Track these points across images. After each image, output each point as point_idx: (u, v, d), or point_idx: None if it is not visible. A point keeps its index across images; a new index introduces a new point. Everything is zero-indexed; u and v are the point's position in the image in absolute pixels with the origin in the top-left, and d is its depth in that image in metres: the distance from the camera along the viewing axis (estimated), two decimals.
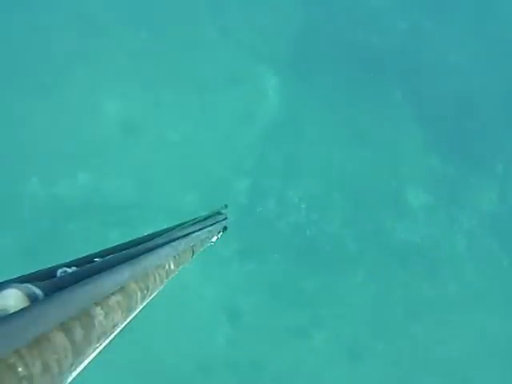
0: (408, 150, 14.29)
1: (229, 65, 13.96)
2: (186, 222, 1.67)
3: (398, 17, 14.89)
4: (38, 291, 0.69)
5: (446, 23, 14.99)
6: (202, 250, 1.83)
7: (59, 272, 0.84)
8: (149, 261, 1.07)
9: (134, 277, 0.99)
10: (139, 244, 1.14)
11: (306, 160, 13.82)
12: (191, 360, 12.35)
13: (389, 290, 13.36)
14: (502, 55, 15.04)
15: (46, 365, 0.64)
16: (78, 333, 0.75)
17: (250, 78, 13.99)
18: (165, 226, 1.51)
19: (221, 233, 2.37)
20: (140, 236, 1.26)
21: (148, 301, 1.12)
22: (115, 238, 11.63)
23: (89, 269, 0.85)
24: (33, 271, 0.81)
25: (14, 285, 0.67)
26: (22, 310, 0.62)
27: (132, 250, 1.06)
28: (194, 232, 1.66)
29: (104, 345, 0.90)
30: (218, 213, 2.39)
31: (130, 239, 1.21)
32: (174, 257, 1.35)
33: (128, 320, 0.99)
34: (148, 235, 1.31)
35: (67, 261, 0.90)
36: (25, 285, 0.69)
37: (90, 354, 0.82)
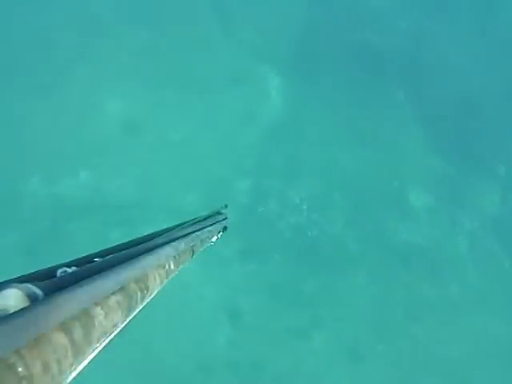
0: (410, 150, 14.27)
1: (231, 65, 13.97)
2: (185, 222, 1.67)
3: (400, 17, 14.89)
4: (38, 291, 0.70)
5: (447, 23, 14.98)
6: (202, 249, 1.83)
7: (59, 272, 0.84)
8: (149, 261, 1.07)
9: (134, 277, 0.99)
10: (139, 244, 1.14)
11: (307, 160, 13.81)
12: (191, 360, 12.35)
13: (390, 290, 13.34)
14: (503, 56, 15.02)
15: (45, 365, 0.64)
16: (78, 333, 0.75)
17: (252, 78, 14.00)
18: (165, 226, 1.51)
19: (221, 233, 2.37)
20: (140, 236, 1.26)
21: (148, 301, 1.12)
22: (116, 238, 11.63)
23: (89, 269, 0.85)
24: (33, 271, 0.81)
25: (13, 285, 0.67)
26: (21, 309, 0.62)
27: (132, 250, 1.06)
28: (193, 232, 1.66)
29: (104, 345, 0.90)
30: (218, 213, 2.39)
31: (130, 239, 1.21)
32: (174, 257, 1.35)
33: (128, 320, 0.99)
34: (148, 235, 1.31)
35: (67, 261, 0.90)
36: (25, 285, 0.69)
37: (89, 354, 0.82)
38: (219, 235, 2.35)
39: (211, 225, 2.06)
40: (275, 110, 14.00)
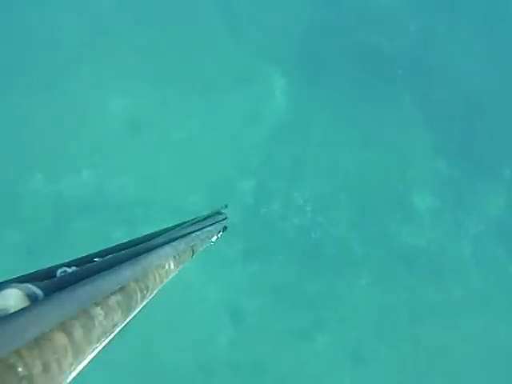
0: (415, 152, 14.22)
1: (236, 65, 13.97)
2: (185, 222, 1.68)
3: (407, 18, 14.84)
4: (38, 291, 0.70)
5: (455, 25, 14.91)
6: (201, 249, 1.83)
7: (59, 272, 0.84)
8: (149, 261, 1.07)
9: (134, 277, 0.99)
10: (139, 244, 1.14)
11: (312, 162, 13.79)
12: (193, 361, 12.35)
13: (394, 293, 13.29)
14: (510, 58, 14.93)
15: (45, 365, 0.64)
16: (78, 333, 0.75)
17: (257, 78, 14.00)
18: (166, 226, 1.51)
19: (221, 232, 2.37)
20: (140, 236, 1.27)
21: (148, 301, 1.13)
22: (118, 237, 11.67)
23: (89, 269, 0.85)
24: (33, 271, 0.82)
25: (13, 285, 0.68)
26: (21, 309, 0.62)
27: (132, 250, 1.06)
28: (193, 232, 1.66)
29: (104, 345, 0.90)
30: (218, 212, 2.39)
31: (130, 239, 1.21)
32: (174, 257, 1.36)
33: (128, 320, 0.99)
34: (148, 235, 1.31)
35: (67, 260, 0.90)
36: (25, 285, 0.69)
37: (89, 354, 0.82)
38: (219, 235, 2.35)
39: (211, 225, 2.06)
40: (280, 111, 13.99)
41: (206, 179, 13.10)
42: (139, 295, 1.03)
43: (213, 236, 2.16)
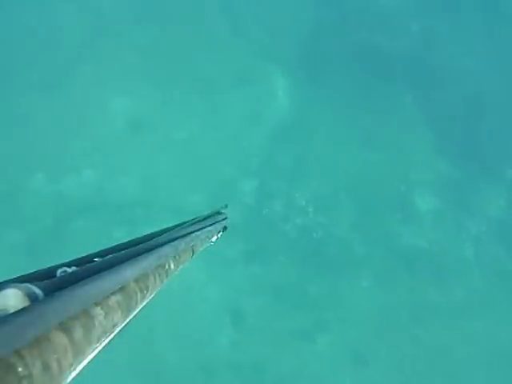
0: (417, 153, 14.20)
1: (238, 65, 13.98)
2: (185, 222, 1.68)
3: (409, 19, 14.82)
4: (38, 291, 0.70)
5: (457, 26, 14.89)
6: (201, 249, 1.83)
7: (59, 272, 0.84)
8: (149, 261, 1.07)
9: (134, 277, 0.99)
10: (139, 244, 1.14)
11: (313, 162, 13.79)
12: (193, 361, 12.35)
13: (395, 294, 13.27)
14: None
15: (45, 365, 0.64)
16: (78, 333, 0.75)
17: (259, 78, 13.99)
18: (166, 226, 1.52)
19: (221, 233, 2.38)
20: (140, 236, 1.27)
21: (148, 301, 1.13)
22: (120, 237, 11.66)
23: (89, 269, 0.85)
24: (33, 271, 0.82)
25: (13, 285, 0.68)
26: (21, 309, 0.62)
27: (132, 250, 1.06)
28: (193, 232, 1.66)
29: (104, 345, 0.90)
30: (218, 212, 2.39)
31: (130, 239, 1.21)
32: (174, 257, 1.36)
33: (128, 320, 0.99)
34: (148, 235, 1.31)
35: (67, 260, 0.90)
36: (25, 285, 0.69)
37: (89, 354, 0.82)
38: (219, 235, 2.35)
39: (211, 225, 2.06)
40: (282, 111, 13.99)
41: (207, 179, 13.11)
42: (139, 295, 1.03)
43: (213, 236, 2.16)
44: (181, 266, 1.45)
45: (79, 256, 0.96)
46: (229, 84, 13.73)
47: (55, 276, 0.82)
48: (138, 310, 1.05)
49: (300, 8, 14.52)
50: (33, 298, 0.68)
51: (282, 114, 13.94)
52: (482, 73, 14.63)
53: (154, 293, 1.17)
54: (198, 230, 1.76)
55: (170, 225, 1.57)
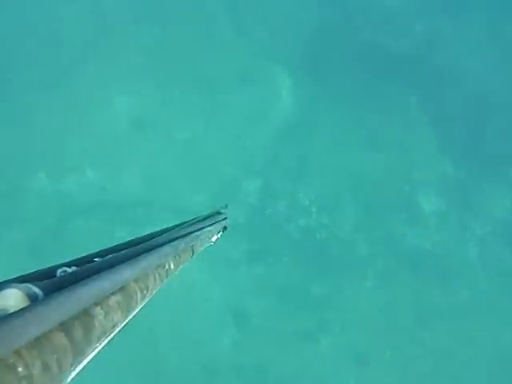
0: (421, 153, 14.15)
1: (242, 64, 13.98)
2: (185, 222, 1.68)
3: (413, 19, 14.78)
4: (38, 291, 0.70)
5: (461, 26, 14.84)
6: (201, 249, 1.83)
7: (59, 272, 0.84)
8: (149, 261, 1.07)
9: (134, 277, 0.99)
10: (139, 244, 1.14)
11: (317, 162, 13.77)
12: (196, 361, 12.35)
13: (399, 296, 13.22)
14: None
15: (45, 365, 0.65)
16: (78, 333, 0.76)
17: (263, 78, 14.00)
18: (166, 226, 1.52)
19: (221, 233, 2.37)
20: (140, 236, 1.27)
21: (148, 301, 1.13)
22: (122, 237, 11.69)
23: (89, 269, 0.85)
24: (33, 271, 0.82)
25: (13, 285, 0.68)
26: (21, 309, 0.62)
27: (132, 250, 1.06)
28: (193, 232, 1.66)
29: (104, 345, 0.91)
30: (218, 213, 2.39)
31: (130, 239, 1.22)
32: (174, 257, 1.36)
33: (128, 320, 0.99)
34: (148, 235, 1.31)
35: (67, 260, 0.91)
36: (25, 284, 0.69)
37: (89, 354, 0.83)
38: (219, 235, 2.35)
39: (211, 225, 2.06)
40: (286, 111, 13.98)
41: (210, 179, 13.12)
42: (139, 295, 1.03)
43: (213, 236, 2.16)
44: (181, 266, 1.45)
45: (79, 256, 0.97)
46: (232, 84, 13.74)
47: (55, 276, 0.83)
48: (137, 310, 1.06)
49: (304, 8, 14.51)
50: (33, 298, 0.69)
51: (285, 114, 13.93)
52: (486, 73, 14.57)
53: (154, 293, 1.18)
54: (198, 230, 1.76)
55: (170, 225, 1.57)
